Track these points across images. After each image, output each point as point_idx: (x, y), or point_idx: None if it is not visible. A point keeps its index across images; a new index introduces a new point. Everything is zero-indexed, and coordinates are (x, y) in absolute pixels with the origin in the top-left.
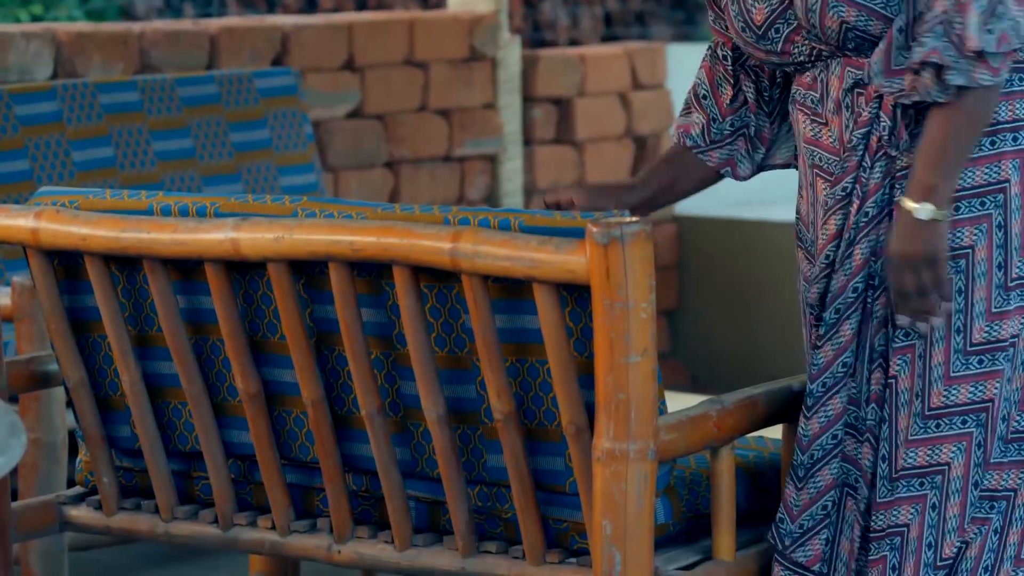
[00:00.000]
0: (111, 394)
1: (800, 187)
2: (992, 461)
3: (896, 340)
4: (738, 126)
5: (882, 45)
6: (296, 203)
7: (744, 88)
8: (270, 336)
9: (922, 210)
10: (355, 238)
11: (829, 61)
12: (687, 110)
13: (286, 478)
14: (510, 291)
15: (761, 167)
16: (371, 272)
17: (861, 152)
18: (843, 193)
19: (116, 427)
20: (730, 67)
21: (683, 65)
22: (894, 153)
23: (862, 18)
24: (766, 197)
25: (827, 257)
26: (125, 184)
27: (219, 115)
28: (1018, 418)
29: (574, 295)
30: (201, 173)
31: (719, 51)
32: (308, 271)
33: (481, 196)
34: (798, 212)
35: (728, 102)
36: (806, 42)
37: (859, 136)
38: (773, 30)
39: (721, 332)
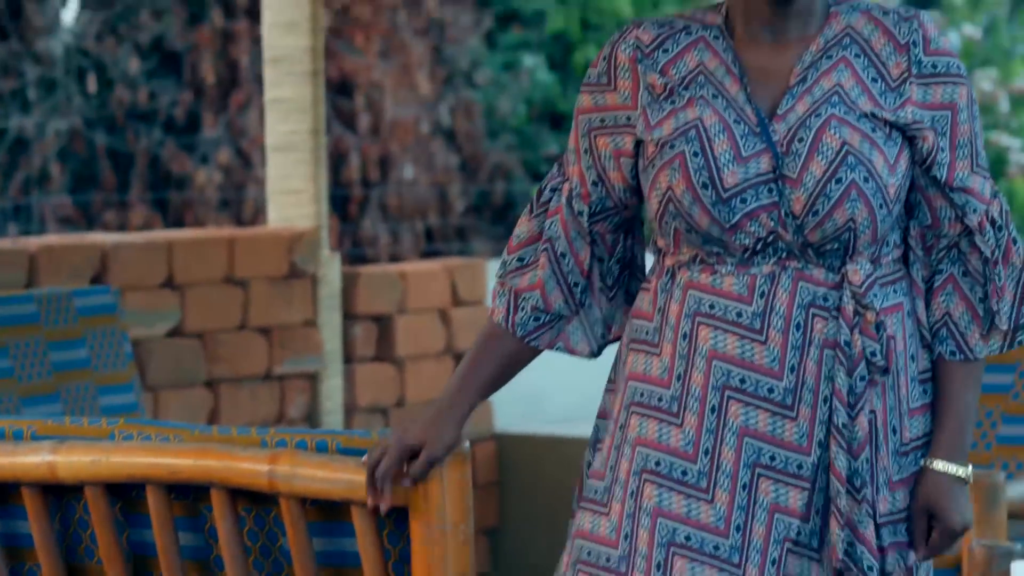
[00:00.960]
0: None
1: (671, 411)
2: None
3: None
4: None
5: (968, 318)
6: (113, 425)
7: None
8: (87, 560)
9: (966, 473)
10: (172, 461)
11: (777, 272)
12: (519, 269)
13: None
14: (328, 513)
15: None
16: (188, 495)
17: (832, 377)
18: (806, 428)
19: None
20: (585, 223)
21: None
22: (879, 379)
23: (867, 222)
24: (586, 414)
25: (805, 498)
26: None
27: (38, 334)
28: None
29: (392, 517)
30: (20, 394)
31: (574, 204)
32: (125, 494)
33: (301, 415)
34: (664, 441)
35: (587, 262)
36: (769, 221)
37: (829, 358)
38: (740, 199)
39: (543, 550)
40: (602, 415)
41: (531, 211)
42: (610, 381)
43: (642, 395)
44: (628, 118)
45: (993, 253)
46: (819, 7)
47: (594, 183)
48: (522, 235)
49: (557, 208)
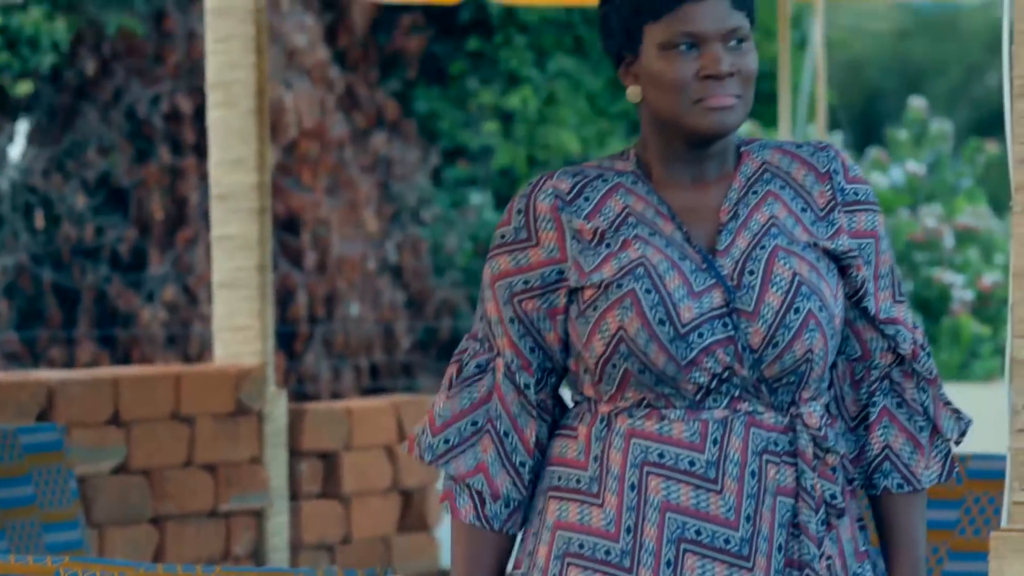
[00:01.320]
0: None
1: (623, 566)
2: None
3: None
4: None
5: (911, 448)
6: (58, 563)
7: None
8: None
9: None
10: None
11: (730, 418)
12: (448, 452)
13: None
14: None
15: None
16: None
17: (785, 524)
18: None
19: None
20: (532, 397)
21: None
22: (835, 522)
23: (821, 353)
24: None
25: None
26: None
27: None
28: None
29: None
30: None
31: (518, 378)
32: None
33: (247, 552)
34: None
35: (533, 439)
36: (725, 357)
37: (787, 508)
38: (697, 334)
39: None
40: (517, 566)
41: (449, 387)
42: (528, 533)
43: (581, 546)
44: (560, 272)
45: (932, 378)
46: (732, 147)
47: (532, 350)
48: (445, 414)
49: (494, 386)
